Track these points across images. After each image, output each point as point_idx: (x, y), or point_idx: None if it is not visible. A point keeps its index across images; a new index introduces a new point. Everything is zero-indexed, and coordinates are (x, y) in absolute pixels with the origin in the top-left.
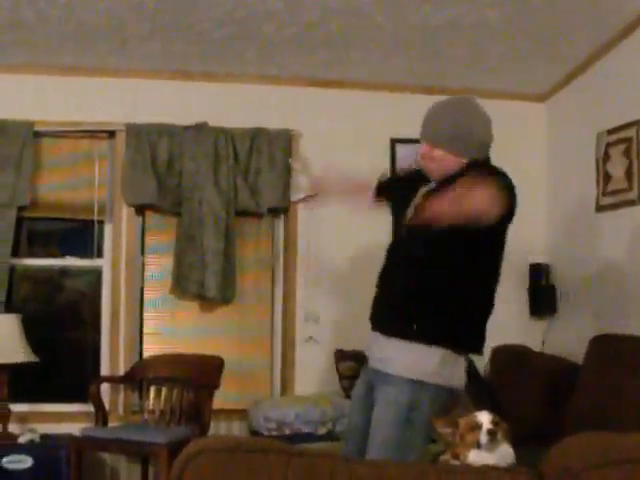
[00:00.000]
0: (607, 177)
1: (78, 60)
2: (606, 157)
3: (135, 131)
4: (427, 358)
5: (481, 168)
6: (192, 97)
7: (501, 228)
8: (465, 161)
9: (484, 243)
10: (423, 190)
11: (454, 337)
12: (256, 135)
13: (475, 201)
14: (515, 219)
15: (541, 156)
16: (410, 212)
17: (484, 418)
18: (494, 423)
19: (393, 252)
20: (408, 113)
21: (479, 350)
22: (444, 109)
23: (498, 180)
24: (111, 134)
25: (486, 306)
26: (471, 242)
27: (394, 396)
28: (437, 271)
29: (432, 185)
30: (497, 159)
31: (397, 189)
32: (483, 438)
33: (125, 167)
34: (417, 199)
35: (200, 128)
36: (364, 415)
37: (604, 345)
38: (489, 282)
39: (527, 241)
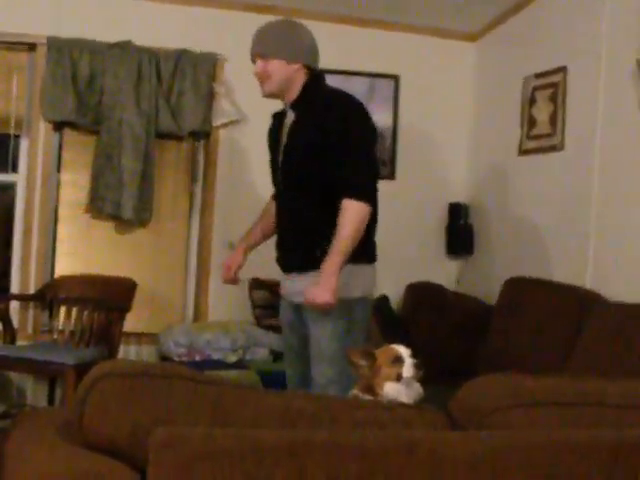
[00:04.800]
0: (532, 121)
1: None
2: (532, 101)
3: (57, 45)
4: (345, 277)
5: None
6: (118, 14)
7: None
8: (298, 66)
9: None
10: (287, 124)
11: (355, 251)
12: (181, 57)
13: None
14: (437, 159)
15: (467, 96)
16: (280, 155)
17: (404, 351)
18: (414, 357)
19: (279, 197)
20: (335, 44)
21: (375, 258)
22: (269, 25)
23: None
24: (31, 47)
25: (372, 218)
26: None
27: (329, 313)
28: (332, 198)
29: (291, 117)
30: (424, 96)
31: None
32: (407, 371)
33: (45, 82)
34: (285, 139)
35: (124, 46)
36: (296, 335)
37: (518, 287)
38: None
39: (448, 181)
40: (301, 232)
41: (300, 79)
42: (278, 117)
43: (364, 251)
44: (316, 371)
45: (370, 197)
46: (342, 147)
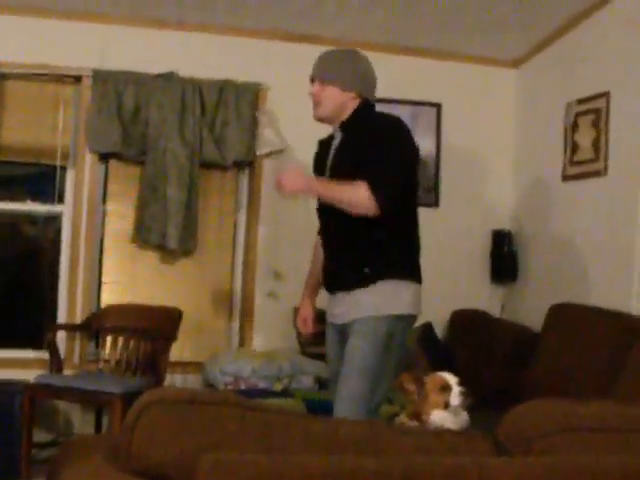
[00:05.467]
0: (575, 147)
1: (48, 2)
2: (574, 127)
3: (102, 77)
4: (392, 293)
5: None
6: (161, 45)
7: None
8: (354, 95)
9: (412, 180)
10: (334, 145)
11: (403, 269)
12: (224, 87)
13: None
14: (480, 186)
15: (510, 123)
16: (327, 174)
17: (452, 379)
18: (462, 385)
19: (325, 217)
20: (378, 72)
21: (421, 279)
22: (331, 53)
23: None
24: (77, 79)
25: (416, 239)
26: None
27: (372, 327)
28: (382, 217)
29: (338, 138)
30: (466, 123)
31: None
32: (455, 399)
33: (90, 113)
34: (330, 159)
35: (168, 77)
36: (341, 360)
37: (563, 314)
38: (414, 216)
39: (491, 208)
40: (349, 252)
41: (352, 107)
42: (325, 144)
43: (410, 269)
44: (344, 384)
45: (383, 202)
46: (377, 157)
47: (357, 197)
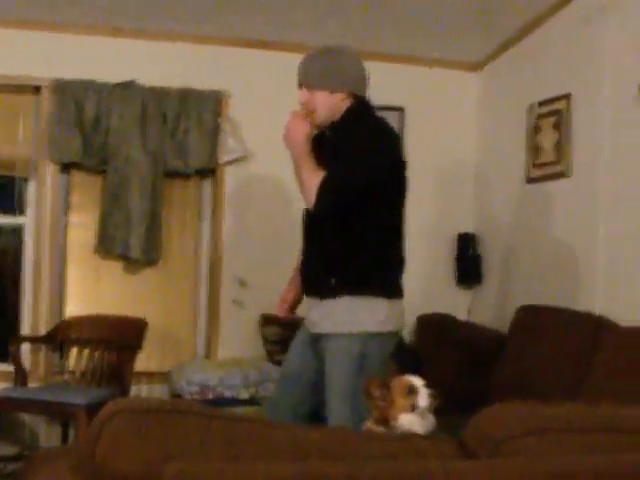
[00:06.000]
0: (537, 149)
1: (5, 11)
2: (536, 129)
3: (61, 87)
4: (363, 310)
5: (363, 119)
6: (121, 54)
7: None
8: (344, 95)
9: (386, 192)
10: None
11: (375, 284)
12: (185, 95)
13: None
14: (444, 189)
15: (472, 126)
16: None
17: (418, 382)
18: (428, 387)
19: (306, 219)
20: None
21: (396, 294)
22: (313, 55)
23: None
24: (37, 89)
25: (395, 254)
26: (374, 194)
27: (345, 347)
28: (350, 228)
29: (328, 139)
30: (429, 127)
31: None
32: (422, 401)
33: (50, 124)
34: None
35: (128, 86)
36: (303, 363)
37: (529, 315)
38: (394, 230)
39: (456, 211)
40: (319, 259)
41: (345, 107)
42: (318, 140)
43: (384, 285)
44: (330, 407)
45: (320, 202)
46: (343, 158)
47: (308, 185)
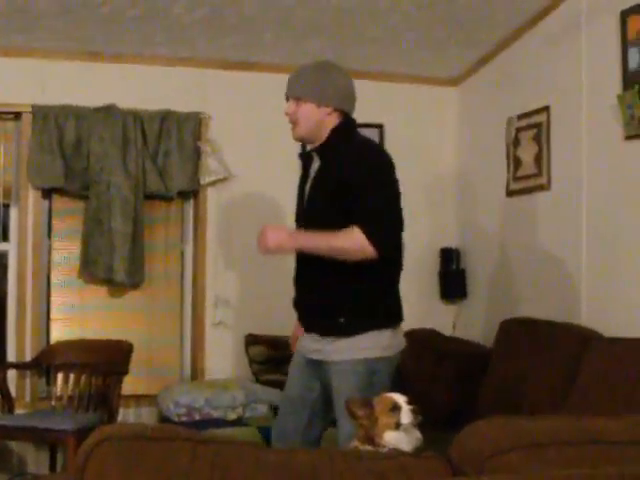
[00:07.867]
0: (517, 162)
1: None
2: (516, 142)
3: (41, 113)
4: (371, 341)
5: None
6: (100, 79)
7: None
8: (330, 110)
9: None
10: (312, 171)
11: (384, 316)
12: (165, 117)
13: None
14: (426, 205)
15: (452, 140)
16: (305, 205)
17: (400, 399)
18: (411, 404)
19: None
20: None
21: (398, 320)
22: (303, 68)
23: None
24: (17, 115)
25: (395, 273)
26: None
27: (352, 368)
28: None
29: (316, 164)
30: (409, 142)
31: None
32: (405, 418)
33: (31, 149)
34: (308, 189)
35: (108, 110)
36: (303, 383)
37: (514, 329)
38: (400, 256)
39: (438, 226)
40: (323, 295)
41: (331, 124)
42: (305, 162)
43: (387, 316)
44: (339, 423)
45: (382, 245)
46: (365, 195)
47: (352, 243)
